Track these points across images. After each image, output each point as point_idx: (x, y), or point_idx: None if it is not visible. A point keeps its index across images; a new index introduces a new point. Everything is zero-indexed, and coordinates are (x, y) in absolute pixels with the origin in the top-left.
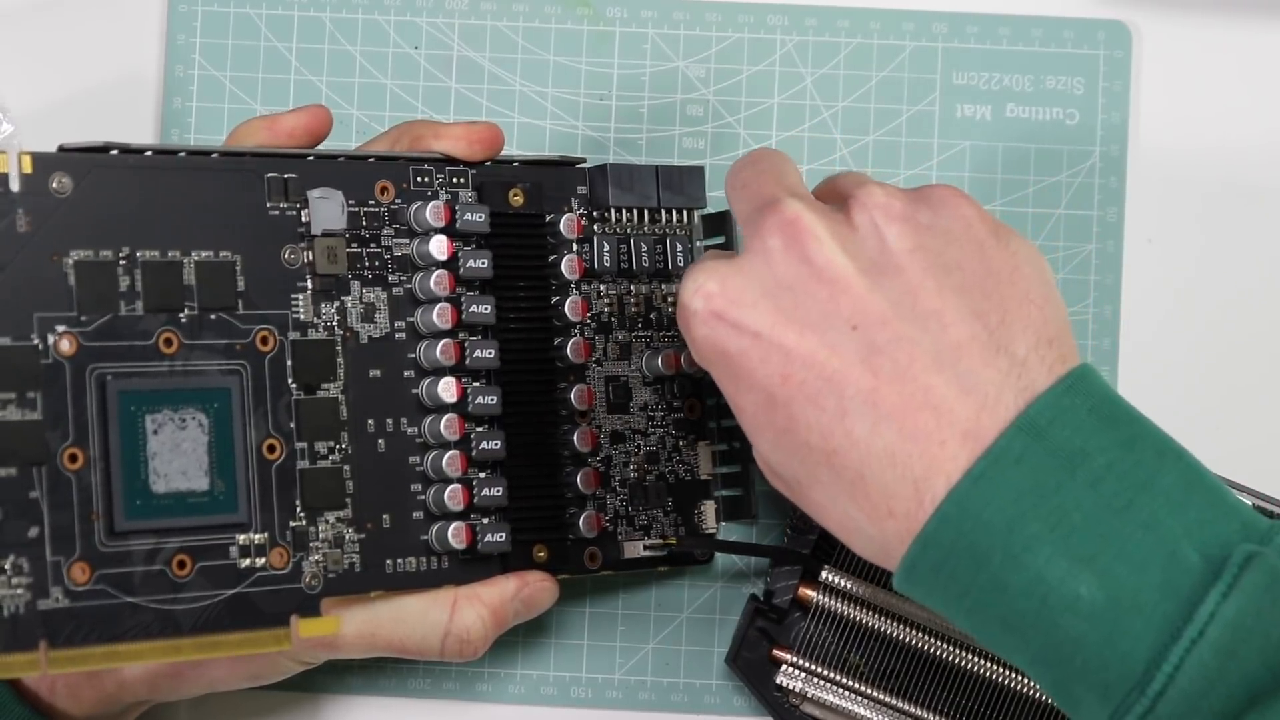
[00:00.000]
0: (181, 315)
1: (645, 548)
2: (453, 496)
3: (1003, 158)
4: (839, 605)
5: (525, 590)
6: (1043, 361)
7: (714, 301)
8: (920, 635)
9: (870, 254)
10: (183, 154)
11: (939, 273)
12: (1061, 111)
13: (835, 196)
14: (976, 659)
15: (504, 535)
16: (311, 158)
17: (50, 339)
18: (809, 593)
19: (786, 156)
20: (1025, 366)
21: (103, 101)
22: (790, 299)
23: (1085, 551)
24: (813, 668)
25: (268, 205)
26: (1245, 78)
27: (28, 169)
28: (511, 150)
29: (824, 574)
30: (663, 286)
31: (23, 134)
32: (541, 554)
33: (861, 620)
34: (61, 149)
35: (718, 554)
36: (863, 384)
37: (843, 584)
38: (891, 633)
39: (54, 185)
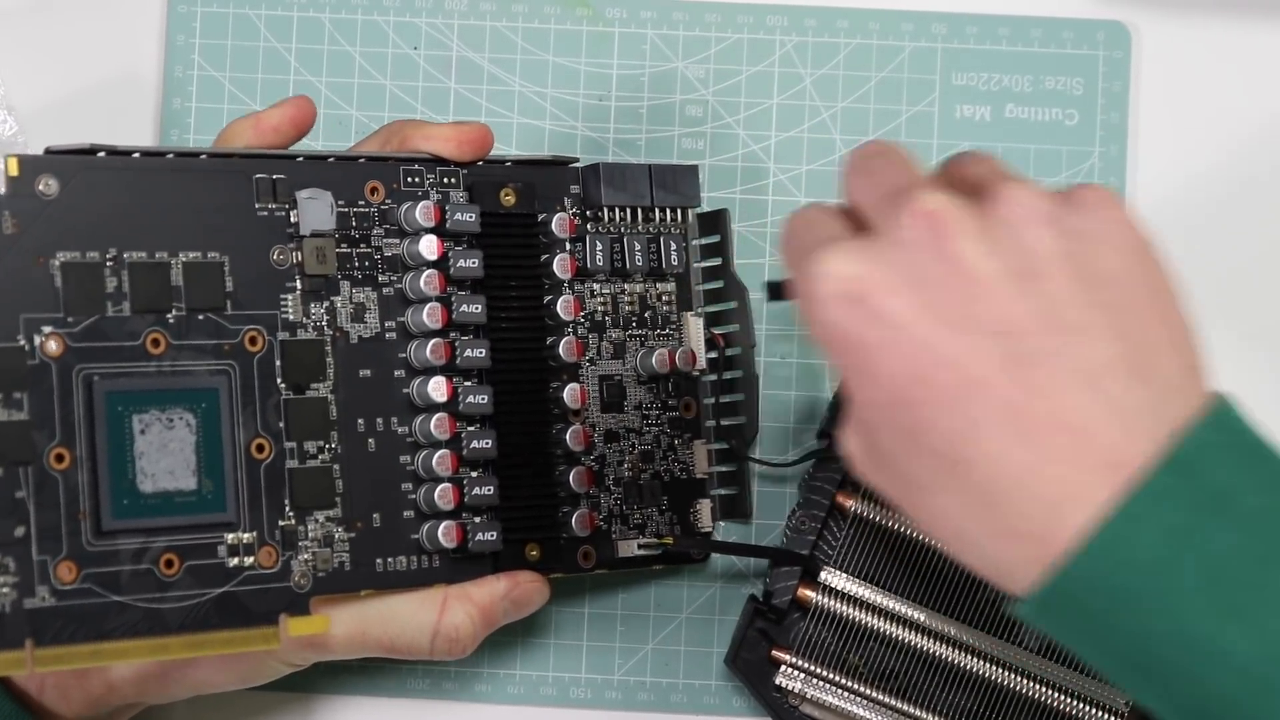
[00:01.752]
0: (169, 316)
1: (640, 547)
2: (443, 496)
3: (1002, 158)
4: (838, 606)
5: (515, 591)
6: (1189, 390)
7: (851, 286)
8: (920, 636)
9: (1016, 257)
10: (171, 155)
11: (1087, 284)
12: (1061, 112)
13: (965, 185)
14: (977, 660)
15: (495, 534)
16: (301, 159)
17: (37, 340)
18: (808, 593)
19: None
20: (1172, 394)
21: (102, 102)
22: (933, 295)
23: (1237, 601)
24: (812, 668)
25: (256, 206)
26: (1245, 78)
27: (14, 171)
28: (510, 151)
29: (823, 575)
30: (657, 285)
31: (28, 134)
32: (534, 553)
33: (861, 621)
34: (48, 151)
35: (716, 554)
36: (1003, 395)
37: (842, 585)
38: (891, 633)
39: (40, 187)
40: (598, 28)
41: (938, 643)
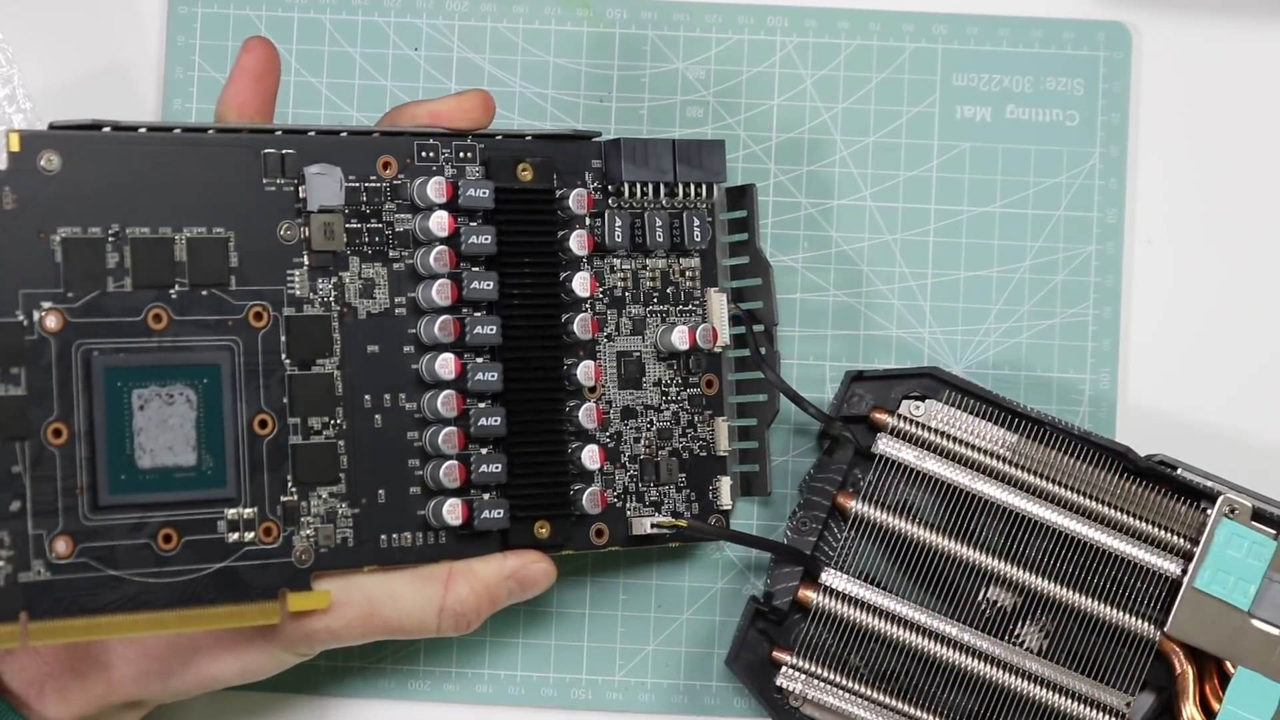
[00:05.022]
0: (171, 291)
1: (653, 526)
2: (449, 473)
3: (1003, 159)
4: (839, 607)
5: (522, 570)
6: None
7: None
8: (920, 637)
9: None
10: (177, 130)
11: None
12: (1061, 113)
13: None
14: (977, 661)
15: (502, 512)
16: (312, 133)
17: (36, 315)
18: (809, 594)
19: None
20: None
21: (102, 103)
22: None
23: None
24: (813, 670)
25: (264, 181)
26: (1245, 78)
27: (15, 147)
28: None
29: (824, 576)
30: (680, 261)
31: (43, 118)
32: (543, 531)
33: (861, 622)
34: (52, 126)
35: (720, 553)
36: None
37: (843, 586)
38: (892, 634)
39: (42, 163)
40: (598, 29)
41: (938, 644)
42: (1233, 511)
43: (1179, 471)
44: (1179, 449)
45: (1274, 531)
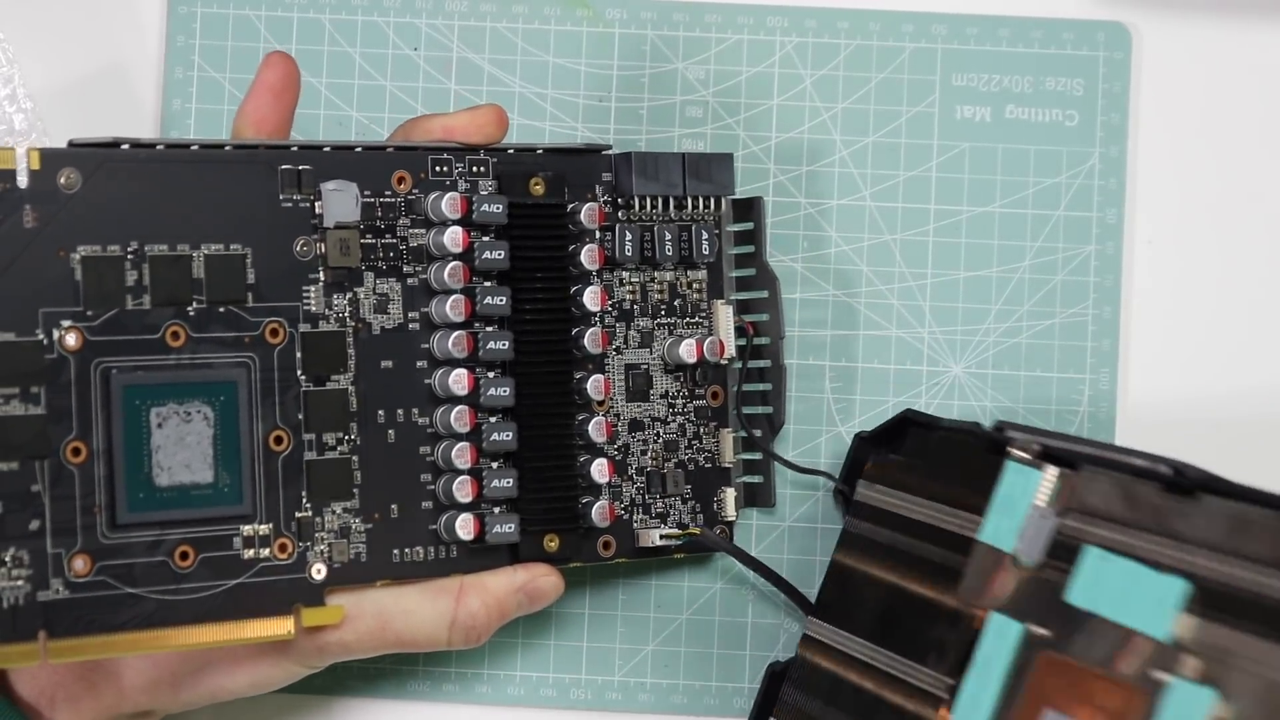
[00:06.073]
0: (190, 309)
1: (661, 537)
2: (461, 488)
3: (1002, 159)
4: (816, 658)
5: (531, 584)
6: None
7: None
8: (908, 696)
9: None
10: (195, 147)
11: None
12: (1061, 113)
13: None
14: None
15: (512, 527)
16: (327, 149)
17: (55, 334)
18: (804, 652)
19: None
20: None
21: (102, 103)
22: None
23: None
24: None
25: (281, 197)
26: (1245, 78)
27: (35, 165)
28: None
29: (808, 626)
30: (688, 273)
31: (44, 119)
32: (553, 544)
33: (834, 672)
34: (71, 144)
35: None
36: None
37: (823, 636)
38: (860, 683)
39: (62, 181)
40: (598, 29)
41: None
42: (1015, 452)
43: (1006, 432)
44: (1179, 448)
45: (1054, 468)
